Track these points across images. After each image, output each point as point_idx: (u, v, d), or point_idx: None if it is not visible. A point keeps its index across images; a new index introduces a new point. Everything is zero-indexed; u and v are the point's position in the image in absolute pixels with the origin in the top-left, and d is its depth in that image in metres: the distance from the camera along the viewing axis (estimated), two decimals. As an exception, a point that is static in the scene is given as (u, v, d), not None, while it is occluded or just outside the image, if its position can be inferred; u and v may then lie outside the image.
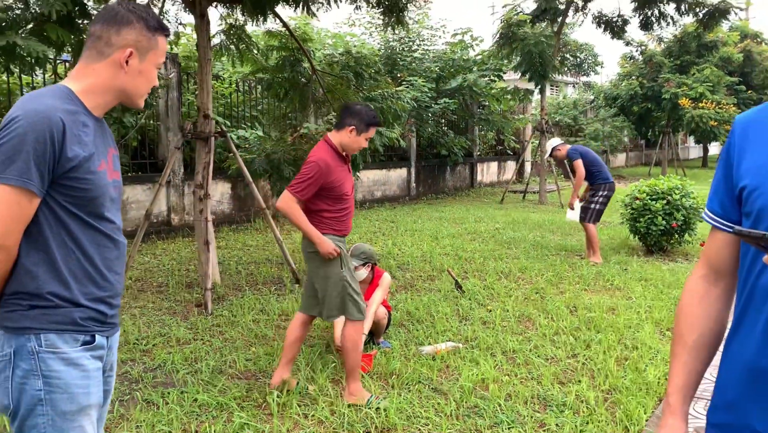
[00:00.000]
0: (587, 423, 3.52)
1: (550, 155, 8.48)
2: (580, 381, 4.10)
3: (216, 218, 10.27)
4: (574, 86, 36.75)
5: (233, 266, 7.43)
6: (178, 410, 3.60)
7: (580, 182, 7.93)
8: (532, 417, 3.59)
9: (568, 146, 8.17)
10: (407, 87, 12.98)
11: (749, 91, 28.64)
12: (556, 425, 3.48)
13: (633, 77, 26.93)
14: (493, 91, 15.39)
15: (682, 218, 8.09)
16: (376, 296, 4.73)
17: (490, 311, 5.67)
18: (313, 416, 3.59)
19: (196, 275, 6.88)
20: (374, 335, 4.85)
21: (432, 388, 3.98)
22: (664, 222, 8.10)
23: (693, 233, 8.35)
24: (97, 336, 1.78)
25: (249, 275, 7.05)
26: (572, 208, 8.03)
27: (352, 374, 3.83)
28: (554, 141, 8.43)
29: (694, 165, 31.46)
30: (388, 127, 8.09)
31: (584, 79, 35.01)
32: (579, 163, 7.85)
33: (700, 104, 23.28)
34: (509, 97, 15.49)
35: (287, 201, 3.74)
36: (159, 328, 5.20)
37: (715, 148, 41.27)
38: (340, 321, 4.26)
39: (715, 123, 22.84)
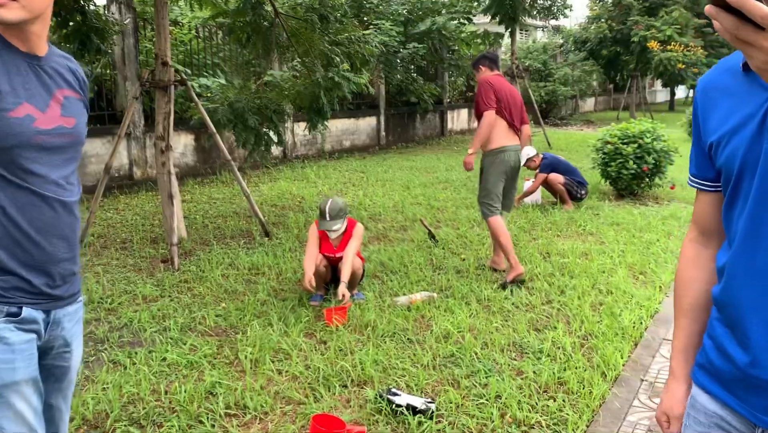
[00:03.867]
0: (564, 369, 3.50)
1: (524, 164, 8.14)
2: (555, 327, 4.08)
3: (180, 170, 9.96)
4: (543, 30, 36.41)
5: (199, 219, 7.22)
6: (146, 370, 3.47)
7: (535, 188, 8.00)
8: (509, 365, 3.56)
9: (541, 156, 8.02)
10: (375, 31, 12.62)
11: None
12: (534, 372, 3.45)
13: (602, 20, 26.72)
14: (462, 35, 15.06)
15: (653, 162, 8.09)
16: (351, 246, 4.59)
17: (464, 259, 5.61)
18: (287, 371, 3.50)
19: (161, 229, 6.67)
20: (349, 286, 4.75)
21: (408, 338, 3.92)
22: (635, 166, 8.09)
23: (663, 176, 8.37)
24: (25, 308, 1.57)
25: (216, 228, 6.86)
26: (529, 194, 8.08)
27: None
28: (529, 151, 7.95)
29: (661, 109, 31.67)
30: (356, 72, 7.82)
31: (553, 22, 34.66)
32: (540, 178, 7.87)
33: (669, 47, 23.24)
34: (479, 41, 15.19)
35: None
36: (124, 285, 5.03)
37: (681, 92, 41.58)
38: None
39: (683, 66, 22.88)
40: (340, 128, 13.64)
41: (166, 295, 4.85)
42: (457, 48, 16.33)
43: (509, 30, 14.41)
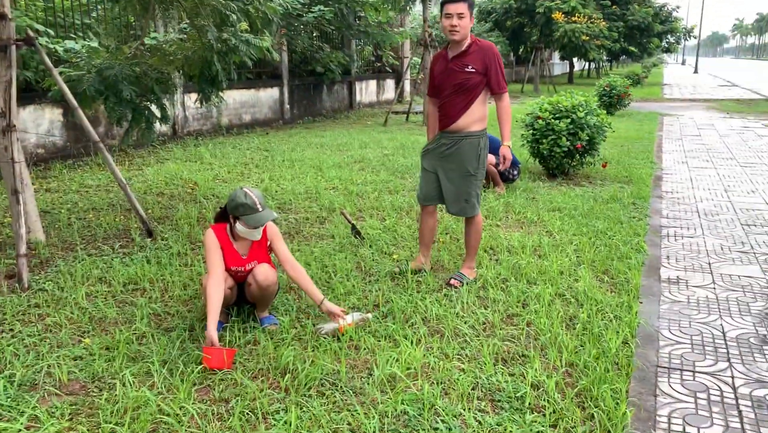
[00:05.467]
0: (554, 426, 2.63)
1: None
2: (528, 358, 3.20)
3: (45, 152, 8.35)
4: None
5: (64, 215, 5.81)
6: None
7: None
8: (482, 424, 2.63)
9: None
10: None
11: (614, 6, 29.23)
12: (518, 436, 2.55)
13: (507, -10, 26.41)
14: (371, -1, 13.95)
15: (587, 138, 7.44)
16: (284, 249, 3.61)
17: (398, 260, 4.65)
18: (170, 463, 2.40)
19: (11, 230, 5.23)
20: (256, 307, 3.67)
21: (341, 389, 2.91)
22: (568, 143, 7.42)
23: (596, 153, 7.77)
24: None
25: (85, 227, 5.50)
26: None
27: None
28: None
29: (560, 81, 31.97)
30: (256, 34, 6.58)
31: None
32: None
33: (573, 18, 23.22)
34: (388, 6, 14.14)
35: None
36: (-55, 318, 3.68)
37: (578, 65, 42.51)
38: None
39: (587, 38, 22.94)
40: (238, 100, 12.25)
41: (5, 328, 3.57)
42: (364, 14, 15.21)
43: (421, -5, 13.45)
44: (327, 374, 3.01)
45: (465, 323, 3.60)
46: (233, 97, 12.03)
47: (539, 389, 2.92)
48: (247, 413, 2.70)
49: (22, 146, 7.99)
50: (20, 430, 2.59)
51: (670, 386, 3.02)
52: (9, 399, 2.82)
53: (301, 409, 2.73)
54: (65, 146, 8.57)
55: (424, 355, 3.20)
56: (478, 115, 4.05)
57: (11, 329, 3.56)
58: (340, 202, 6.28)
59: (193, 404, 2.76)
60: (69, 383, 2.99)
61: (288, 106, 13.63)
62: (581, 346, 3.32)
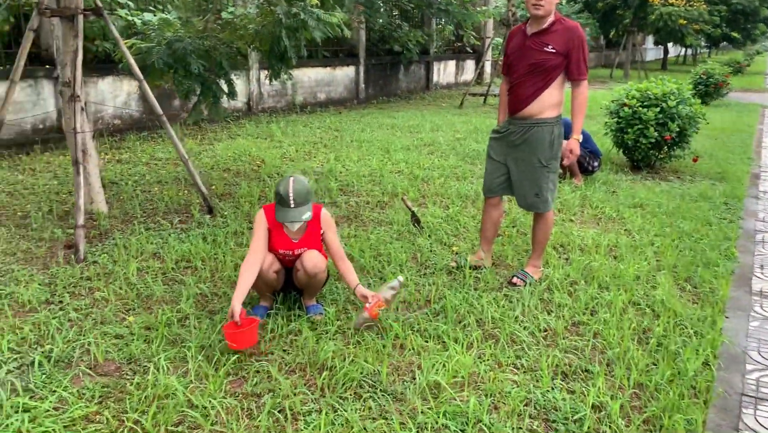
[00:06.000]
0: (615, 459, 2.31)
1: None
2: (591, 374, 2.87)
3: (122, 123, 8.52)
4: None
5: (130, 187, 5.85)
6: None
7: None
8: (531, 449, 2.35)
9: None
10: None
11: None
12: (572, 467, 2.25)
13: (600, -30, 25.07)
14: (453, -24, 13.49)
15: (678, 129, 6.84)
16: (336, 242, 3.41)
17: (457, 253, 4.36)
18: (188, 463, 2.26)
19: (77, 201, 5.30)
20: (303, 294, 3.50)
21: (381, 393, 2.68)
22: (656, 134, 6.84)
23: (687, 146, 7.14)
24: None
25: (148, 200, 5.51)
26: None
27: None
28: None
29: (653, 68, 30.27)
30: (327, 10, 6.38)
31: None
32: None
33: (670, 1, 21.79)
34: (471, -16, 13.63)
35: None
36: (1, 286, 3.71)
37: (674, 51, 40.16)
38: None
39: (685, 22, 21.49)
40: (314, 78, 12.16)
41: (55, 300, 3.56)
42: (446, -8, 14.74)
43: (506, -27, 12.88)
44: (367, 374, 2.79)
45: (524, 328, 3.30)
46: (308, 75, 11.95)
47: (601, 411, 2.60)
48: (277, 412, 2.53)
49: (99, 117, 8.21)
50: (48, 411, 2.52)
51: (756, 419, 2.63)
52: (44, 376, 2.77)
53: (334, 412, 2.53)
54: (140, 118, 8.72)
55: (475, 362, 2.92)
56: (552, 101, 3.68)
57: (60, 301, 3.55)
58: (403, 186, 6.03)
59: (223, 397, 2.61)
60: (104, 363, 2.91)
61: (363, 86, 13.44)
62: (654, 364, 2.96)
